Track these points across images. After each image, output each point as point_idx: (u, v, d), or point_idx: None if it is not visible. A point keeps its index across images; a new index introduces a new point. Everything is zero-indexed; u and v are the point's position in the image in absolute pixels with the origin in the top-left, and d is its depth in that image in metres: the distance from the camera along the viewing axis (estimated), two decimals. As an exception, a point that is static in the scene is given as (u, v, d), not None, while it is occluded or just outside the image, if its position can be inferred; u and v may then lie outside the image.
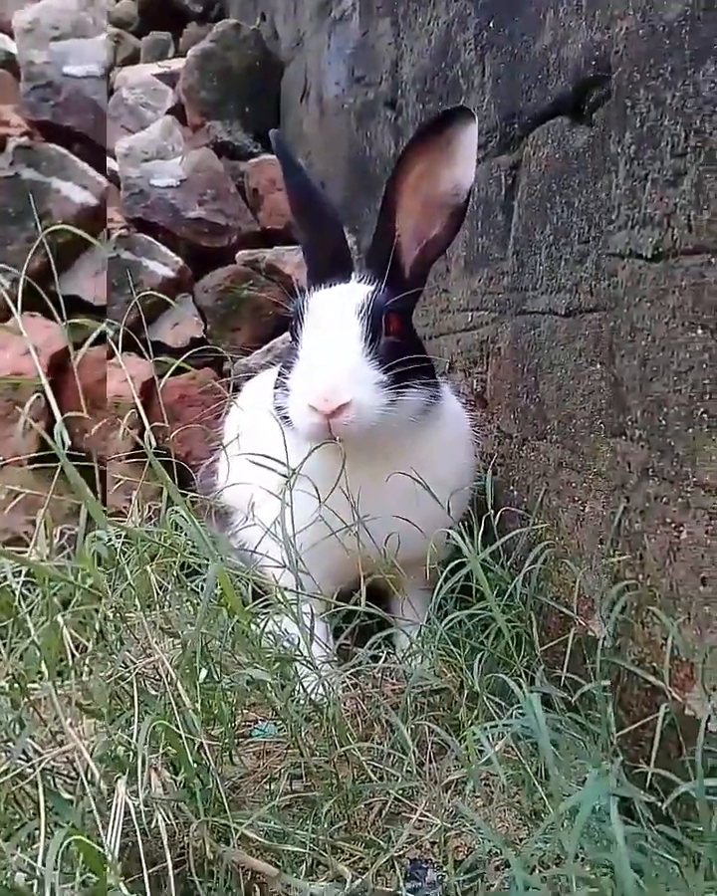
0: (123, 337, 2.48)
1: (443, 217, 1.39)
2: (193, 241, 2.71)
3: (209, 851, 0.81)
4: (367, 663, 1.41)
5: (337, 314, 1.36)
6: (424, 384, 1.38)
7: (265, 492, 1.47)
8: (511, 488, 1.60)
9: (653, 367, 1.12)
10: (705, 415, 1.03)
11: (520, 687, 1.10)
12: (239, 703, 1.32)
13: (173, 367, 1.76)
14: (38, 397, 1.92)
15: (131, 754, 0.80)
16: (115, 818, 0.73)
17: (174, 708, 0.86)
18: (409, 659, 1.47)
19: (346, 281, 1.46)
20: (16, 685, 0.95)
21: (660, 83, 1.08)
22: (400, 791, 1.21)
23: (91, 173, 2.35)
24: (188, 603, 1.39)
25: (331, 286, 1.46)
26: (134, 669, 0.96)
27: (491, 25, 1.56)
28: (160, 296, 1.64)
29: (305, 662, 1.24)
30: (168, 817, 0.77)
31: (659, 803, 0.99)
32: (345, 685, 1.41)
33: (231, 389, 2.48)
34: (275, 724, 1.43)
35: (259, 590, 1.52)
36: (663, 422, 1.10)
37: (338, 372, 1.30)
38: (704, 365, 1.02)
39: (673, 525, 1.10)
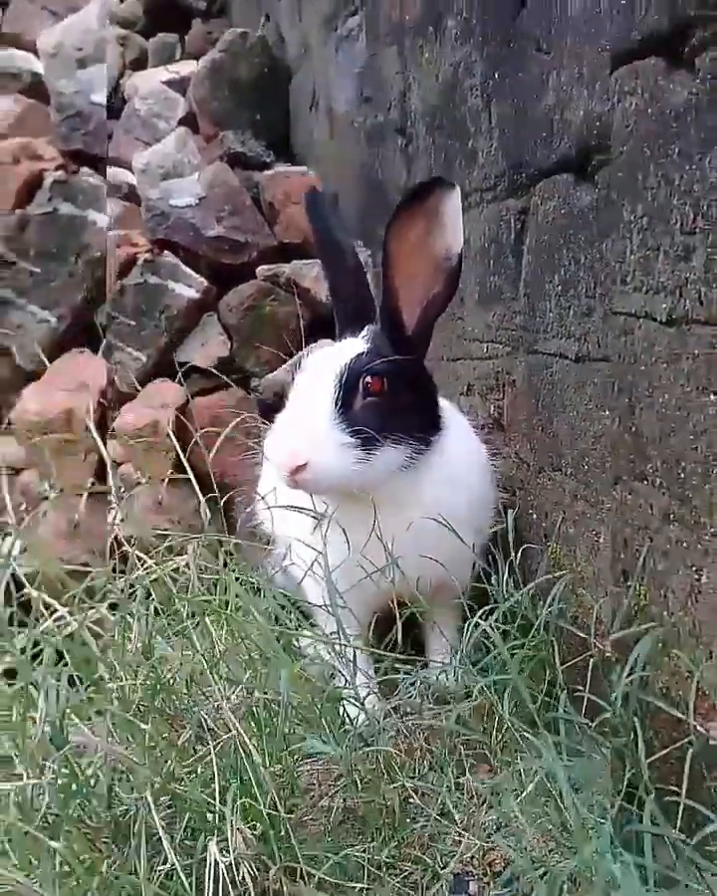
0: (155, 363, 2.61)
1: (439, 278, 1.49)
2: (214, 259, 2.80)
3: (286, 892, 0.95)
4: (406, 689, 1.55)
5: (318, 376, 1.49)
6: (406, 438, 1.49)
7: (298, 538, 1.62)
8: (530, 512, 1.71)
9: (671, 424, 1.19)
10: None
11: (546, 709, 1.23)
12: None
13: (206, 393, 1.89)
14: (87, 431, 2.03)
15: (215, 814, 0.93)
16: (208, 876, 0.87)
17: (245, 761, 0.99)
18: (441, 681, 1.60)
19: (358, 332, 1.57)
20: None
21: (669, 163, 1.13)
22: (440, 810, 1.35)
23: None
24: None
25: (349, 336, 1.57)
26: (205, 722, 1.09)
27: (496, 76, 1.63)
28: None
29: (352, 699, 1.37)
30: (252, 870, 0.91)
31: (686, 840, 1.09)
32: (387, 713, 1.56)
33: (260, 411, 2.60)
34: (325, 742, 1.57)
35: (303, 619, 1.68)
36: (681, 475, 1.17)
37: (299, 436, 1.45)
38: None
39: (694, 568, 1.19)
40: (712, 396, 1.11)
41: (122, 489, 2.52)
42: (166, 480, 2.47)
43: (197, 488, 2.06)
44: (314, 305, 2.73)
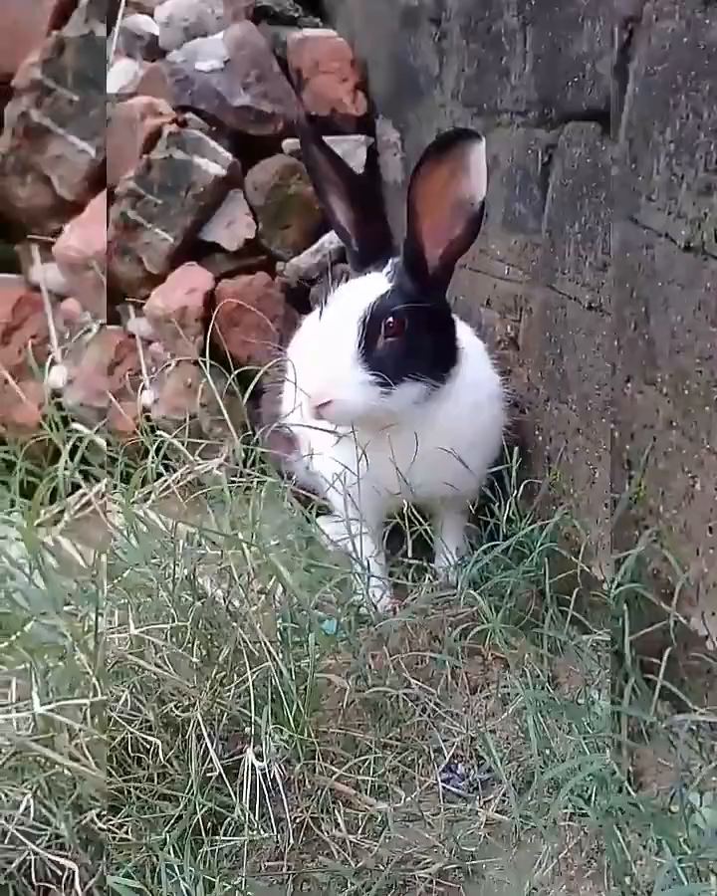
0: (183, 242, 2.67)
1: (462, 222, 1.55)
2: (240, 129, 2.75)
3: (308, 783, 1.20)
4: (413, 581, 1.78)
5: (343, 315, 1.59)
6: (424, 375, 1.60)
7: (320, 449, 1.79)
8: (536, 433, 1.85)
9: (680, 343, 1.26)
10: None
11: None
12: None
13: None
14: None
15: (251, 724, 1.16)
16: (244, 777, 1.10)
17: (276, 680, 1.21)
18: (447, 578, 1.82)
19: (381, 267, 1.64)
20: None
21: (699, 97, 1.15)
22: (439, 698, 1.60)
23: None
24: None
25: (368, 272, 1.65)
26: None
27: (534, 2, 1.59)
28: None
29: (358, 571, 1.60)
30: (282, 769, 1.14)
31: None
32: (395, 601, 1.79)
33: (285, 296, 2.67)
34: (336, 620, 1.81)
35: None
36: (686, 392, 1.26)
37: (324, 374, 1.57)
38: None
39: (690, 475, 1.27)
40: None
41: (153, 368, 2.65)
42: (196, 363, 2.60)
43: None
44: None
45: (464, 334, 1.78)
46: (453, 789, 1.46)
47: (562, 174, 1.59)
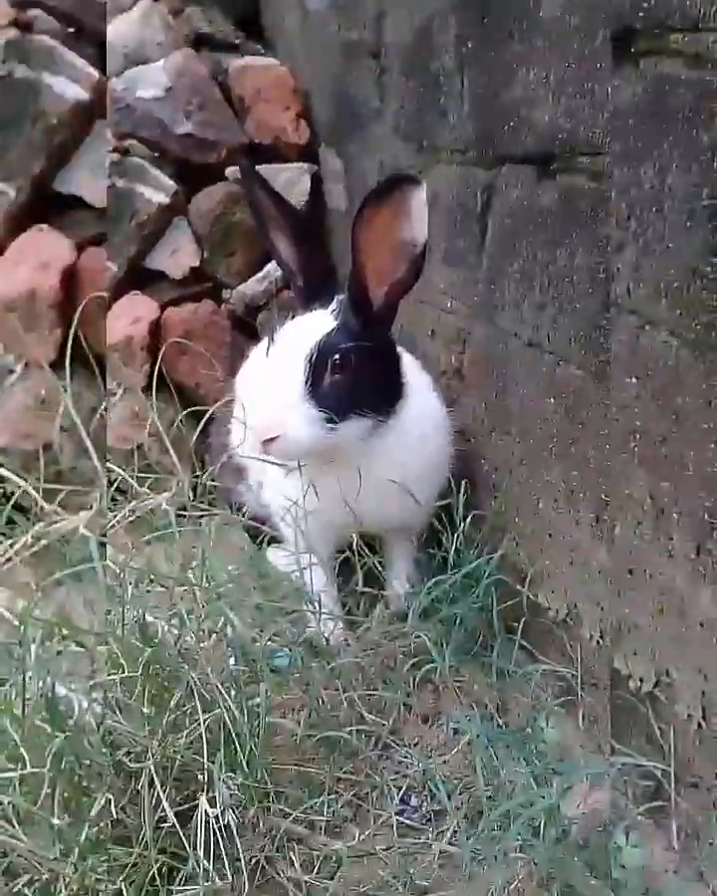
0: (127, 272, 2.66)
1: (404, 264, 1.57)
2: (183, 157, 2.76)
3: (263, 825, 1.20)
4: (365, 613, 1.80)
5: (290, 353, 1.61)
6: (371, 410, 1.64)
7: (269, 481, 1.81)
8: (482, 462, 1.88)
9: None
10: (635, 448, 1.24)
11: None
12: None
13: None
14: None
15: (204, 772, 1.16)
16: (197, 825, 1.10)
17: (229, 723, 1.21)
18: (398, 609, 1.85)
19: (327, 304, 1.66)
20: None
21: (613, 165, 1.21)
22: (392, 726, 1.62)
23: (80, 65, 2.17)
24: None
25: (314, 308, 1.68)
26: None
27: (469, 46, 1.63)
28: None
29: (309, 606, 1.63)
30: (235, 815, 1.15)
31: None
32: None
33: (232, 323, 2.68)
34: (289, 653, 1.82)
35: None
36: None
37: (272, 410, 1.59)
38: (635, 408, 1.22)
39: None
40: (634, 380, 1.23)
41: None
42: (142, 391, 2.59)
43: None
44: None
45: (410, 366, 1.81)
46: (407, 822, 1.48)
47: (500, 214, 1.63)
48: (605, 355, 1.31)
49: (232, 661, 1.45)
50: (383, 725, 1.61)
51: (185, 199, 2.72)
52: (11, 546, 1.41)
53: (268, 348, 1.67)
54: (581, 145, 1.32)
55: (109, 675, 1.19)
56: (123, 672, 1.17)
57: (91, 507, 1.88)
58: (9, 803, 1.03)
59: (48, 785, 1.04)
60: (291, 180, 2.77)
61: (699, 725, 1.13)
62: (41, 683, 1.09)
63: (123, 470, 2.24)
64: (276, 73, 2.84)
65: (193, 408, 2.22)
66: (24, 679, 1.10)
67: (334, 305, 1.66)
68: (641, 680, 1.24)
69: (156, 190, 2.66)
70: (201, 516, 1.95)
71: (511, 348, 1.67)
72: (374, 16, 2.08)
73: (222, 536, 1.89)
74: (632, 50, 1.12)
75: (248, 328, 2.73)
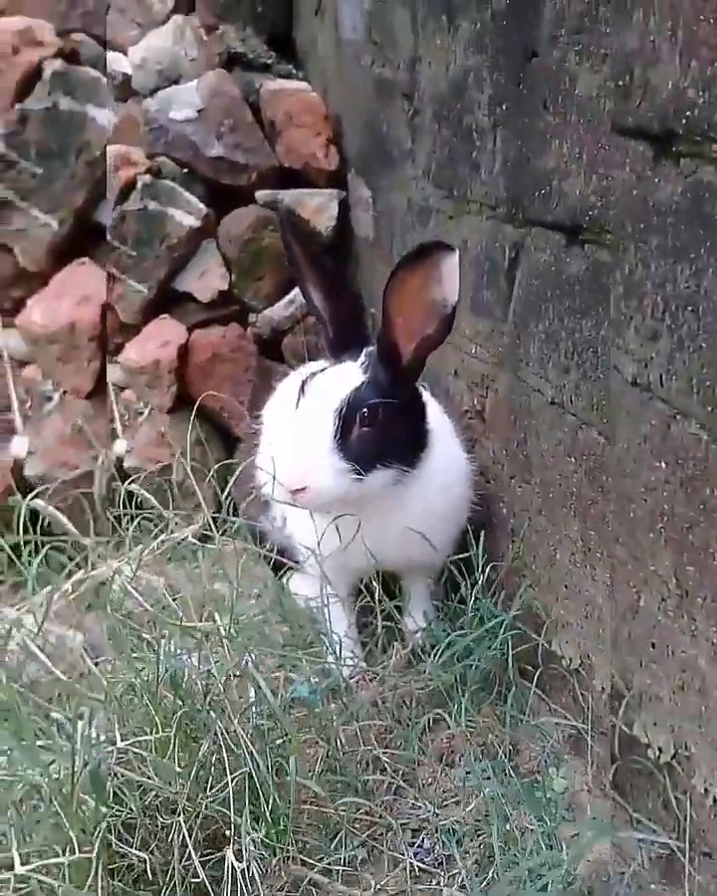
0: (157, 295, 2.71)
1: (434, 322, 1.63)
2: (213, 179, 2.80)
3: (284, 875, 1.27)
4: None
5: (320, 405, 1.66)
6: (396, 461, 1.69)
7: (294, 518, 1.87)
8: (500, 505, 1.93)
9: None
10: (662, 530, 1.28)
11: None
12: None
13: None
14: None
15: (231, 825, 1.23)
16: (227, 878, 1.17)
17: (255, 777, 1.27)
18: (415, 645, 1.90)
19: (356, 356, 1.72)
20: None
21: (648, 252, 1.24)
22: (407, 767, 1.68)
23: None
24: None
25: (343, 359, 1.73)
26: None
27: (504, 108, 1.66)
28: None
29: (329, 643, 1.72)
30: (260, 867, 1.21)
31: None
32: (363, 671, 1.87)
33: (259, 347, 2.73)
34: (309, 685, 1.88)
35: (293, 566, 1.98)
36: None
37: (301, 461, 1.64)
38: (664, 492, 1.27)
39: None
40: (662, 464, 1.26)
41: (126, 416, 2.69)
42: (168, 412, 2.65)
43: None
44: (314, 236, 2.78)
45: (434, 413, 1.86)
46: (419, 864, 1.54)
47: (528, 274, 1.67)
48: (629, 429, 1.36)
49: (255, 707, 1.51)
50: (399, 767, 1.68)
51: (215, 221, 2.77)
52: (53, 592, 1.47)
53: (298, 399, 1.72)
54: (610, 224, 1.35)
55: (138, 729, 1.25)
56: (156, 729, 1.23)
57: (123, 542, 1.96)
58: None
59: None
60: (320, 206, 2.81)
61: (715, 800, 1.18)
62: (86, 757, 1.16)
63: (147, 491, 2.32)
64: (307, 98, 2.86)
65: (216, 423, 2.27)
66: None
67: (363, 357, 1.71)
68: (660, 750, 1.29)
69: (187, 213, 2.70)
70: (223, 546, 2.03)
71: (534, 403, 1.71)
72: (409, 59, 2.11)
73: (243, 562, 1.98)
74: (674, 150, 1.15)
75: (274, 351, 2.78)
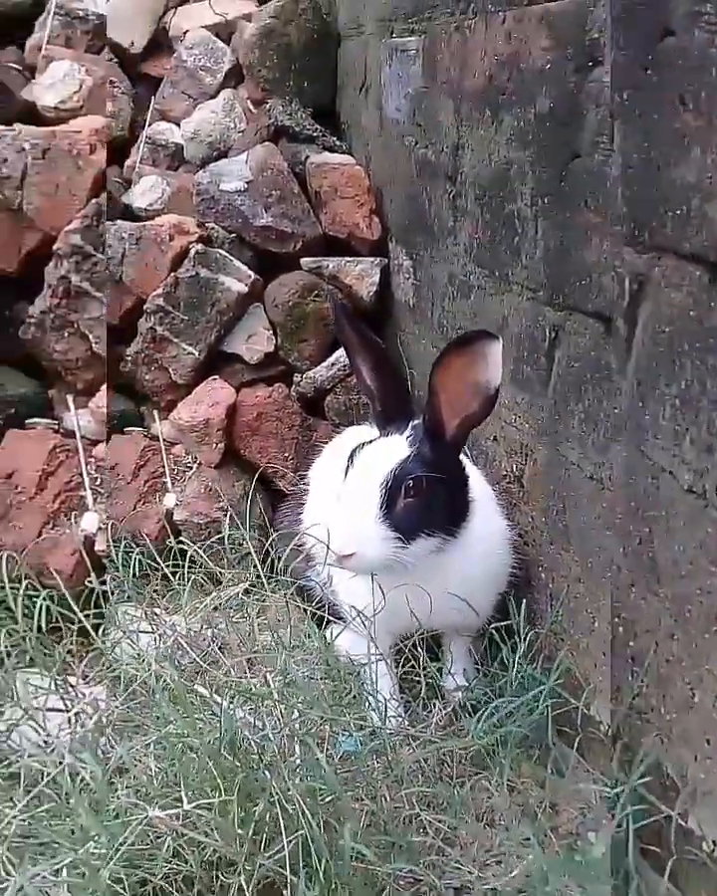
0: (207, 357, 2.84)
1: (478, 401, 1.76)
2: (262, 247, 2.94)
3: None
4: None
5: (368, 476, 1.78)
6: (439, 530, 1.80)
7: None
8: (539, 569, 2.01)
9: (682, 571, 1.36)
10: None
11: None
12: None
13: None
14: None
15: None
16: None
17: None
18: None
19: (402, 429, 1.83)
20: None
21: (704, 368, 1.28)
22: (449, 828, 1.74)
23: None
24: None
25: (389, 432, 1.85)
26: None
27: (546, 200, 1.78)
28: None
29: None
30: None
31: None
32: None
33: (303, 406, 2.85)
34: (355, 739, 1.95)
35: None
36: (687, 614, 1.35)
37: (349, 530, 1.76)
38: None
39: (690, 686, 1.37)
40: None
41: (175, 470, 2.81)
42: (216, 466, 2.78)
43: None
44: (355, 301, 2.91)
45: (475, 482, 1.95)
46: (462, 926, 1.60)
47: (567, 356, 1.77)
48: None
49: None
50: (442, 823, 1.74)
51: (262, 287, 2.90)
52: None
53: (347, 468, 1.82)
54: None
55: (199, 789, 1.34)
56: (219, 791, 1.32)
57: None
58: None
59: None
60: (363, 273, 2.94)
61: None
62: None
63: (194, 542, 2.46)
64: (352, 171, 3.01)
65: (262, 477, 2.62)
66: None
67: (409, 431, 1.82)
68: (714, 843, 1.34)
69: (237, 280, 2.84)
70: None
71: (573, 477, 1.80)
72: (453, 145, 2.24)
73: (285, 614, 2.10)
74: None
75: (316, 409, 2.90)
